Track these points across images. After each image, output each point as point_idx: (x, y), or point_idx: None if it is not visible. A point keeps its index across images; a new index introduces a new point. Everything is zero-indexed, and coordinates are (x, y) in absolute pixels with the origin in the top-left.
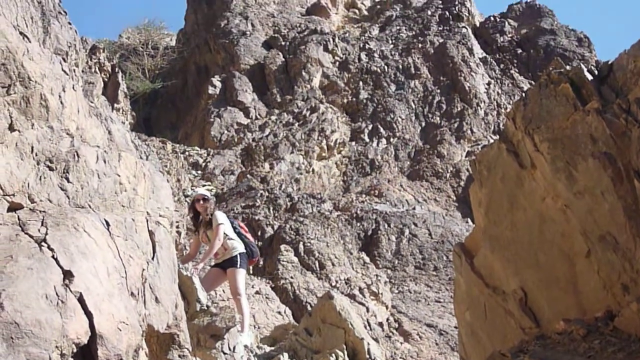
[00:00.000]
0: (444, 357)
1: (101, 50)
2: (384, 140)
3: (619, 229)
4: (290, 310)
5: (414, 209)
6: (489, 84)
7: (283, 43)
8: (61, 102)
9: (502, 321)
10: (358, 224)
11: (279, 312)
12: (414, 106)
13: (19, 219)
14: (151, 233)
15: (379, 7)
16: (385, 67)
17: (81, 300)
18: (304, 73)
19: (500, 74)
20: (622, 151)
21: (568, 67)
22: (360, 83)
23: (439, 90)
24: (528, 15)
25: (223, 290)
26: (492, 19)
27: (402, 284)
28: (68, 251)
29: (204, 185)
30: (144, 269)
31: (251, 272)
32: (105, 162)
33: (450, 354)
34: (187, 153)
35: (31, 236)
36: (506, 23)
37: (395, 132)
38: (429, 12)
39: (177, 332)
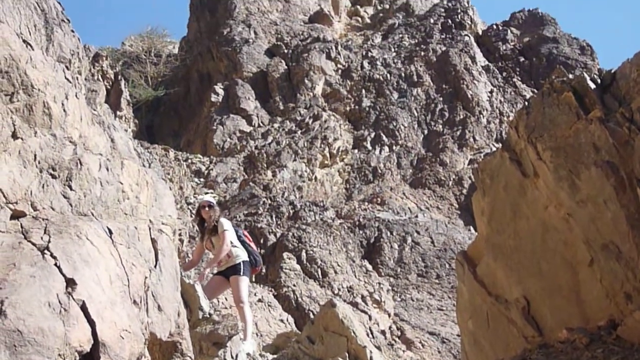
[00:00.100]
0: None
1: (104, 58)
2: (386, 148)
3: (622, 238)
4: (292, 318)
5: (416, 216)
6: (491, 92)
7: (286, 51)
8: (64, 110)
9: (505, 330)
10: (360, 232)
11: (282, 320)
12: (416, 114)
13: (21, 226)
14: (154, 241)
15: (381, 15)
16: (388, 75)
17: (84, 308)
18: (306, 81)
19: (502, 82)
20: (625, 160)
21: (571, 76)
22: (363, 91)
23: (441, 98)
24: (530, 24)
25: (225, 298)
26: (494, 27)
27: (405, 292)
28: (71, 259)
29: (206, 193)
30: (146, 277)
31: (254, 280)
32: (108, 170)
33: None
34: (189, 161)
35: (34, 244)
36: (509, 31)
37: (397, 140)
38: (432, 20)
39: (180, 340)
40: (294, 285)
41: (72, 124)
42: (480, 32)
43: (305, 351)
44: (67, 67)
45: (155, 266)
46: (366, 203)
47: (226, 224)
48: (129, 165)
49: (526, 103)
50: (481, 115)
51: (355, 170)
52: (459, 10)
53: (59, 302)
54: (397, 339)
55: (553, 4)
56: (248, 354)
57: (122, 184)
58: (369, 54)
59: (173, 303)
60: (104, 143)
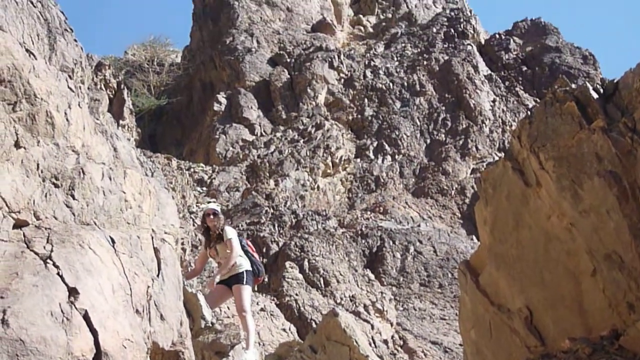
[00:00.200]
0: None
1: (107, 67)
2: (389, 157)
3: (625, 248)
4: (295, 328)
5: (419, 226)
6: (494, 101)
7: (288, 60)
8: (67, 119)
9: (508, 339)
10: (363, 241)
11: (284, 329)
12: (419, 123)
13: (24, 236)
14: (156, 250)
15: (384, 24)
16: (391, 84)
17: (86, 317)
18: (309, 90)
19: (505, 91)
20: (628, 170)
21: (573, 86)
22: (366, 100)
23: (444, 108)
24: (533, 33)
25: (228, 307)
26: (497, 36)
27: (407, 301)
28: (73, 268)
29: (209, 202)
30: (149, 286)
31: (256, 289)
32: (110, 179)
33: None
34: (192, 170)
35: (36, 253)
36: (511, 40)
37: (400, 149)
38: (434, 30)
39: (182, 349)
40: (297, 295)
41: (75, 133)
42: (482, 42)
43: None
44: (70, 76)
45: (157, 275)
46: (369, 212)
47: (231, 232)
48: (131, 174)
49: (529, 113)
50: (484, 125)
51: (358, 179)
52: (462, 20)
53: (62, 311)
54: (399, 349)
55: (556, 14)
56: None
57: (124, 193)
58: (372, 63)
59: (175, 312)
60: (107, 152)
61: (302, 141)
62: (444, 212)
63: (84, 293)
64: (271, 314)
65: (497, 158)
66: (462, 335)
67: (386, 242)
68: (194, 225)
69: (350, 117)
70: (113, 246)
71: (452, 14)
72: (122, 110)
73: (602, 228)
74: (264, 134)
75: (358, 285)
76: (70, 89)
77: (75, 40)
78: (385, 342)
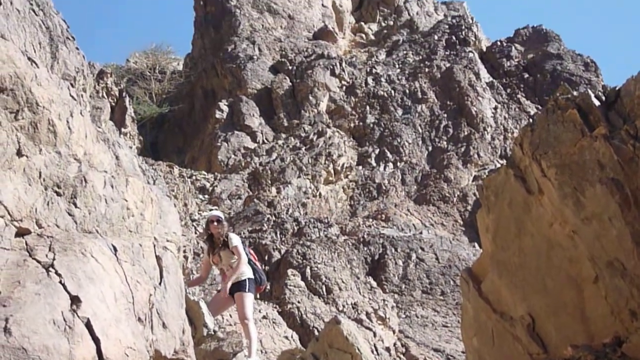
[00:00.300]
0: None
1: (109, 75)
2: (390, 165)
3: (627, 255)
4: (297, 335)
5: (420, 233)
6: (495, 108)
7: (290, 67)
8: (69, 128)
9: (510, 347)
10: (365, 249)
11: (286, 337)
12: (420, 130)
13: (26, 244)
14: (158, 258)
15: (385, 31)
16: (392, 92)
17: (88, 325)
18: (310, 97)
19: (507, 98)
20: (630, 177)
21: (575, 93)
22: (367, 107)
23: (445, 115)
24: (535, 40)
25: (230, 315)
26: (498, 43)
27: (409, 309)
28: (75, 276)
29: (211, 210)
30: (151, 294)
31: (258, 296)
32: (112, 187)
33: None
34: (194, 177)
35: (39, 261)
36: (513, 48)
37: (402, 157)
38: (436, 37)
39: (184, 357)
40: (299, 302)
41: (77, 142)
42: (484, 49)
43: None
44: (71, 84)
45: (160, 283)
46: (370, 219)
47: (236, 239)
48: (133, 182)
49: (531, 120)
50: (485, 132)
51: (360, 186)
52: (463, 27)
53: (64, 319)
54: (401, 356)
55: (557, 21)
56: None
57: (126, 201)
58: (373, 70)
59: (178, 320)
60: (109, 160)
61: (304, 149)
62: (446, 219)
63: (86, 301)
64: (273, 322)
65: (498, 165)
66: (464, 342)
67: (388, 249)
68: (195, 233)
69: (352, 125)
70: (115, 254)
71: (454, 21)
72: (123, 118)
73: (604, 235)
74: (265, 141)
75: (360, 293)
76: (72, 97)
77: (77, 49)
78: (388, 349)
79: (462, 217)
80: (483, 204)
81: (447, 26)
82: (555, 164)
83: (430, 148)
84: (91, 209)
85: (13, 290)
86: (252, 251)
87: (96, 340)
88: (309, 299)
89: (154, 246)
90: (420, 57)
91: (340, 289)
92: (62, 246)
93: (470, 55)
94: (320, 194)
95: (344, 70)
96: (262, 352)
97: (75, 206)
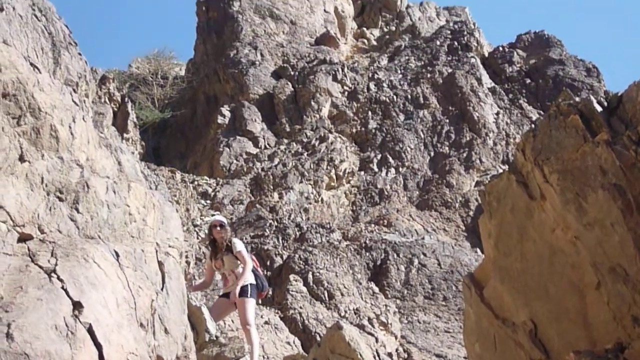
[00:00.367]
0: None
1: (111, 80)
2: (392, 170)
3: (629, 261)
4: (299, 341)
5: (423, 238)
6: (497, 113)
7: (292, 73)
8: (71, 133)
9: (512, 353)
10: (367, 254)
11: (288, 343)
12: (422, 136)
13: (29, 249)
14: (160, 264)
15: (387, 37)
16: (394, 97)
17: (91, 331)
18: (312, 103)
19: (509, 103)
20: (632, 183)
21: (577, 99)
22: (369, 113)
23: (447, 120)
24: (537, 46)
25: (232, 320)
26: (500, 49)
27: (412, 314)
28: (78, 282)
29: (213, 215)
30: (153, 300)
31: (260, 302)
32: (115, 192)
33: None
34: (196, 183)
35: (41, 267)
36: (515, 53)
37: (404, 162)
38: (438, 42)
39: None
40: (301, 308)
41: (80, 147)
42: (486, 54)
43: None
44: (74, 89)
45: (162, 289)
46: (372, 225)
47: (240, 244)
48: (136, 187)
49: (533, 126)
50: (487, 137)
51: (362, 192)
52: (465, 32)
53: (66, 325)
54: None
55: (559, 26)
56: None
57: (129, 206)
58: (375, 75)
59: (180, 326)
60: (111, 166)
61: (306, 154)
62: (448, 224)
63: (88, 307)
64: (275, 327)
65: (501, 170)
66: (466, 348)
67: (390, 255)
68: (198, 238)
69: (354, 130)
70: (117, 260)
71: (456, 26)
72: (126, 123)
73: (606, 241)
74: (267, 146)
75: (362, 298)
76: (75, 102)
77: (80, 54)
78: (390, 355)
79: (464, 222)
80: (485, 210)
81: (449, 32)
82: (558, 170)
83: (432, 153)
84: (93, 214)
85: (15, 296)
86: (253, 257)
87: (98, 346)
88: (311, 305)
89: (156, 252)
90: (422, 63)
91: (342, 294)
92: (65, 252)
93: (472, 60)
94: (322, 199)
95: (346, 76)
96: (264, 357)
97: (78, 212)
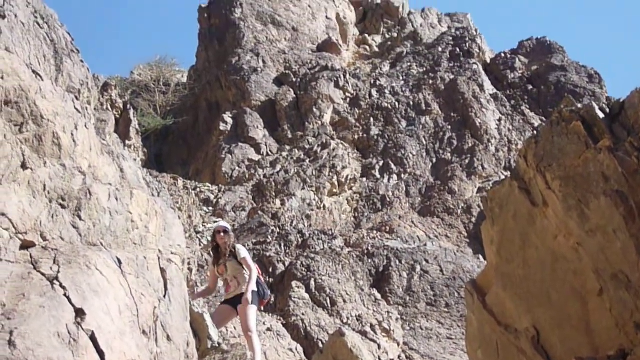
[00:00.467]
0: None
1: (113, 87)
2: (395, 177)
3: (632, 267)
4: (301, 347)
5: (425, 245)
6: (499, 120)
7: (294, 79)
8: (73, 140)
9: (515, 359)
10: (369, 261)
11: (290, 349)
12: (424, 142)
13: (31, 257)
14: (163, 271)
15: (389, 43)
16: (396, 104)
17: (93, 338)
18: (315, 109)
19: (511, 110)
20: (634, 189)
21: (579, 105)
22: (371, 119)
23: (449, 127)
24: (538, 52)
25: (235, 327)
26: (502, 55)
27: (414, 321)
28: (80, 289)
29: (215, 221)
30: (155, 307)
31: (262, 309)
32: (117, 199)
33: None
34: (198, 189)
35: (43, 274)
36: (517, 59)
37: (406, 168)
38: (440, 49)
39: None
40: (303, 314)
41: (82, 154)
42: (488, 61)
43: None
44: (76, 97)
45: (164, 296)
46: (375, 231)
47: (244, 251)
48: (138, 194)
49: (535, 132)
50: (490, 144)
51: (364, 198)
52: (467, 39)
53: (68, 332)
54: None
55: (561, 32)
56: None
57: (131, 213)
58: (377, 82)
59: (182, 333)
60: (113, 173)
61: (308, 160)
62: (451, 231)
63: (90, 314)
64: (278, 334)
65: (503, 177)
66: (469, 355)
67: (392, 261)
68: (200, 245)
69: (356, 137)
70: (120, 267)
71: (458, 33)
72: (128, 130)
73: (608, 248)
74: (270, 153)
75: (364, 305)
76: (77, 109)
77: (82, 61)
78: None
79: (467, 229)
80: (487, 216)
81: (451, 38)
82: (560, 176)
83: (434, 160)
84: (96, 221)
85: (17, 303)
86: (257, 265)
87: (101, 353)
88: (313, 311)
89: (159, 259)
90: (424, 69)
91: (344, 301)
92: (67, 259)
93: (474, 67)
94: (324, 205)
95: (347, 82)
96: None
97: (80, 219)
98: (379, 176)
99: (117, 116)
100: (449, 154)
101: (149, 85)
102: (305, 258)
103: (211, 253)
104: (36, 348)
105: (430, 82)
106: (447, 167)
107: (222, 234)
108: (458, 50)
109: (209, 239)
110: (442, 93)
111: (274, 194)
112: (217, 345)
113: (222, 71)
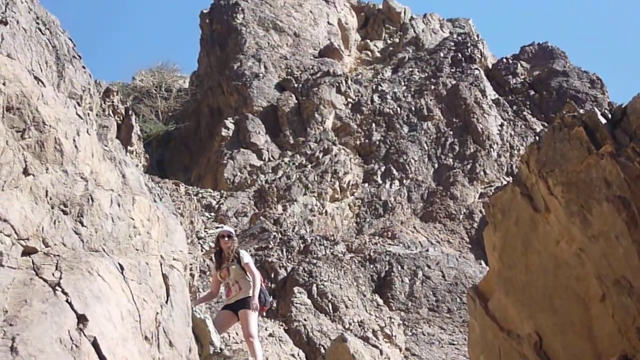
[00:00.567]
0: None
1: (115, 93)
2: (396, 182)
3: (634, 273)
4: (303, 353)
5: (427, 250)
6: (501, 125)
7: (296, 85)
8: (75, 146)
9: None
10: (371, 266)
11: (293, 355)
12: (426, 148)
13: (33, 263)
14: (165, 276)
15: (391, 49)
16: (398, 109)
17: (95, 344)
18: (316, 115)
19: (512, 115)
20: (636, 195)
21: (582, 111)
22: (373, 125)
23: (451, 132)
24: (540, 57)
25: (236, 333)
26: (504, 60)
27: (416, 326)
28: (82, 295)
29: (217, 227)
30: (157, 313)
31: (264, 314)
32: (119, 205)
33: None
34: (200, 195)
35: (45, 280)
36: (518, 65)
37: (408, 174)
38: (442, 54)
39: None
40: (305, 320)
41: (84, 160)
42: (490, 66)
43: None
44: (78, 103)
45: (166, 302)
46: (377, 237)
47: (247, 256)
48: (140, 200)
49: (537, 138)
50: (491, 149)
51: (366, 204)
52: (469, 44)
53: (71, 338)
54: None
55: (563, 38)
56: None
57: (133, 219)
58: (379, 87)
59: (184, 338)
60: (115, 179)
61: (309, 166)
62: (452, 236)
63: (92, 320)
64: (280, 340)
65: (505, 182)
66: None
67: (394, 267)
68: (202, 250)
69: (358, 142)
70: (122, 273)
71: (460, 38)
72: (130, 136)
73: (611, 253)
74: (271, 159)
75: (366, 311)
76: (79, 115)
77: (84, 67)
78: None
79: (469, 234)
80: (489, 222)
81: (452, 43)
82: (562, 182)
83: (436, 165)
84: (98, 227)
85: (20, 309)
86: (259, 271)
87: (103, 359)
88: (315, 317)
89: (161, 264)
90: (426, 75)
91: (346, 306)
92: (69, 265)
93: (476, 72)
94: (326, 211)
95: (349, 88)
96: None
97: (82, 225)
98: (380, 182)
99: (119, 122)
100: (450, 160)
101: (151, 91)
102: (307, 264)
103: (213, 258)
104: (38, 354)
105: (432, 87)
106: (449, 173)
107: (226, 239)
108: (460, 55)
109: (211, 244)
110: (444, 98)
111: (275, 199)
112: (219, 351)
113: (224, 77)
